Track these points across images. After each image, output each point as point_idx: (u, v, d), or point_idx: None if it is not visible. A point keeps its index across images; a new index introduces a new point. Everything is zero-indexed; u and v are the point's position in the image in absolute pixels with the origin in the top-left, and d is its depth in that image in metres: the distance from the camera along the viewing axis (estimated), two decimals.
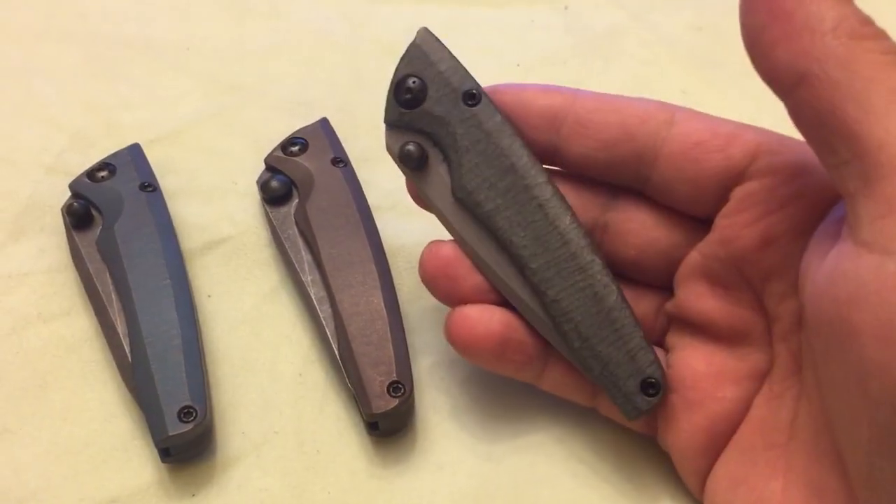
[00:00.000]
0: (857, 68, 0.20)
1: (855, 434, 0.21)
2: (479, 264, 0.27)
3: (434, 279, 0.27)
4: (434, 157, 0.27)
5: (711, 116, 0.26)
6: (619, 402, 0.26)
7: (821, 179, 0.23)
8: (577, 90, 0.27)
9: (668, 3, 0.42)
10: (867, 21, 0.21)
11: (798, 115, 0.21)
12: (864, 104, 0.20)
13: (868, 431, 0.20)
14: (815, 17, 0.20)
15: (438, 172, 0.27)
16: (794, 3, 0.21)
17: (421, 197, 0.28)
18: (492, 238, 0.26)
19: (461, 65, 0.27)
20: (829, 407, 0.22)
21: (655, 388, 0.25)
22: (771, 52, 0.21)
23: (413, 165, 0.27)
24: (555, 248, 0.26)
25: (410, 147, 0.27)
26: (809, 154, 0.23)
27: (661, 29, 0.41)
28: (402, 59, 0.27)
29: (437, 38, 0.27)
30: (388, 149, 0.28)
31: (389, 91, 0.27)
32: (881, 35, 0.21)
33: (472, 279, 0.27)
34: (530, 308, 0.26)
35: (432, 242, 0.27)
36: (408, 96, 0.27)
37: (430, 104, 0.27)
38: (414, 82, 0.26)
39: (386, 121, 0.27)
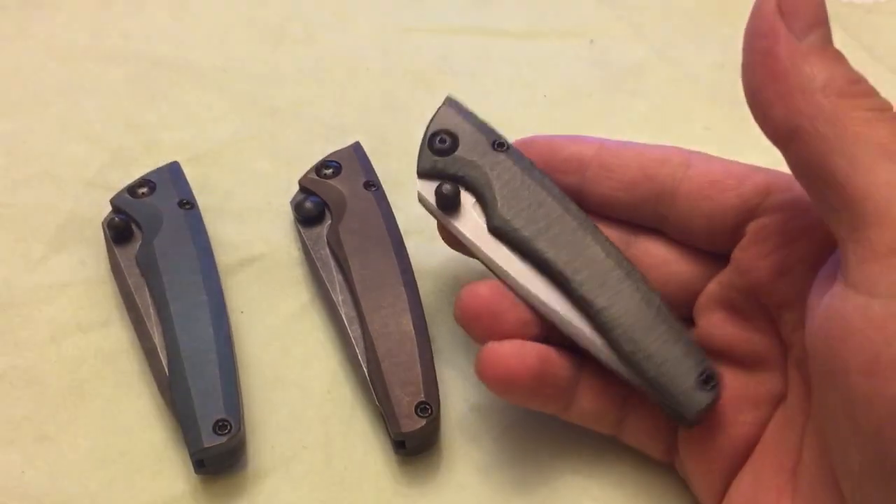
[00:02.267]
0: (845, 124, 0.21)
1: (847, 463, 0.22)
2: (518, 292, 0.28)
3: (476, 319, 0.27)
4: (466, 199, 0.29)
5: (725, 159, 0.28)
6: (679, 401, 0.25)
7: None
8: (603, 139, 0.29)
9: (692, 40, 0.44)
10: (856, 80, 0.22)
11: (794, 166, 0.23)
12: (851, 158, 0.21)
13: (858, 460, 0.21)
14: (807, 77, 0.22)
15: (471, 213, 0.29)
16: (789, 64, 0.22)
17: (454, 238, 0.29)
18: (530, 264, 0.27)
19: (487, 123, 0.29)
20: (826, 436, 0.23)
21: (713, 380, 0.26)
22: (768, 109, 0.23)
23: (448, 205, 0.28)
24: (598, 260, 0.27)
25: (447, 187, 0.28)
26: None
27: (684, 65, 0.43)
28: (433, 119, 0.29)
29: (462, 103, 0.30)
30: (421, 198, 0.29)
31: (422, 143, 0.29)
32: (869, 93, 0.22)
33: (512, 314, 0.27)
34: (573, 325, 0.27)
35: (468, 285, 0.28)
36: (441, 146, 0.29)
37: (463, 152, 0.29)
38: (445, 136, 0.29)
39: (419, 170, 0.29)
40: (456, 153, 0.29)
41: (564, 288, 0.27)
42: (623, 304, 0.26)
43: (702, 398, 0.26)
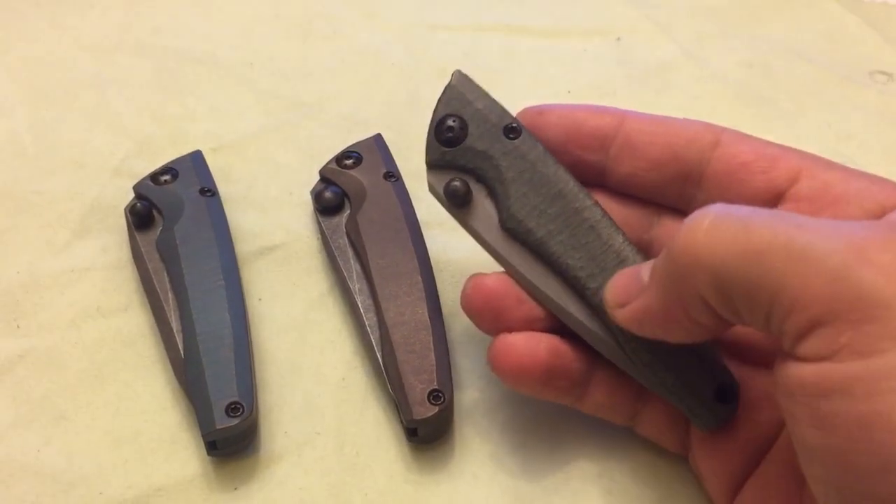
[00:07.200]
0: None
1: (812, 476, 0.21)
2: (531, 293, 0.27)
3: (480, 312, 0.27)
4: (478, 192, 0.27)
5: (756, 138, 0.26)
6: (695, 412, 0.25)
7: (857, 208, 0.24)
8: (626, 111, 0.27)
9: (719, 39, 0.43)
10: None
11: None
12: None
13: (821, 476, 0.20)
14: None
15: (484, 207, 0.27)
16: None
17: (467, 232, 0.28)
18: (544, 264, 0.26)
19: (498, 102, 0.27)
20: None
21: (731, 394, 0.25)
22: None
23: (459, 202, 0.27)
24: (612, 266, 0.25)
25: (456, 183, 0.27)
26: (849, 183, 0.23)
27: (711, 65, 0.42)
28: (440, 100, 0.27)
29: (471, 79, 0.28)
30: (431, 189, 0.28)
31: (429, 132, 0.27)
32: None
33: (518, 310, 0.27)
34: (590, 329, 0.26)
35: (475, 276, 0.27)
36: (449, 135, 0.27)
37: (472, 140, 0.27)
38: (454, 121, 0.27)
39: (427, 161, 0.27)
40: (465, 142, 0.27)
41: (580, 293, 0.26)
42: None
43: (718, 411, 0.25)
